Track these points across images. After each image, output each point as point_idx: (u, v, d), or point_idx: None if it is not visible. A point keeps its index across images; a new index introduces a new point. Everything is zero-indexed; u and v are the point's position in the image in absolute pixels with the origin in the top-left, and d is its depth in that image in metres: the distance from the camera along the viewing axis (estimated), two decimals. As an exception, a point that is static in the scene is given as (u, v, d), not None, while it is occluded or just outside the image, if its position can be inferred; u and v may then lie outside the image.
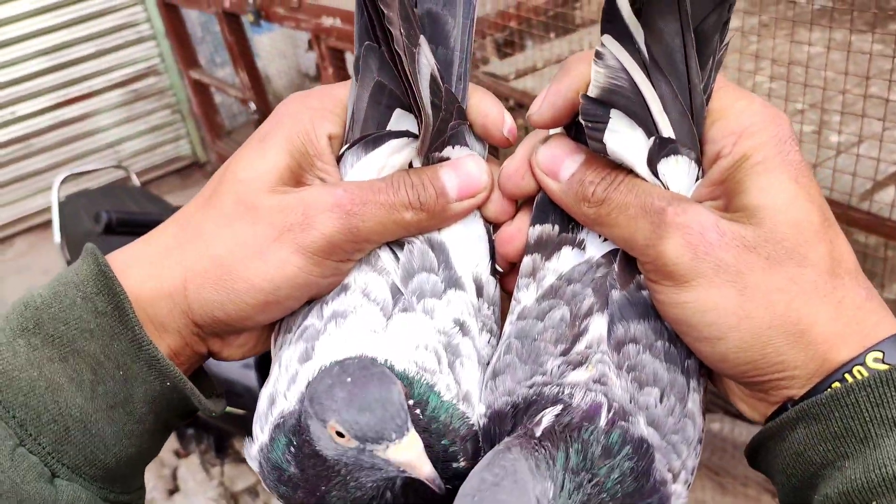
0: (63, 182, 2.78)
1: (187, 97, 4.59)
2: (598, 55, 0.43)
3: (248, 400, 1.69)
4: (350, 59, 2.34)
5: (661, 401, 0.45)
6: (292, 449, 0.45)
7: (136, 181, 3.09)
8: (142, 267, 0.48)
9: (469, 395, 0.47)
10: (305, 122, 0.49)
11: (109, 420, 0.46)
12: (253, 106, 2.96)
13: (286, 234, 0.47)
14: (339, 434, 0.42)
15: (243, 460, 2.25)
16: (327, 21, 2.24)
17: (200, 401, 0.50)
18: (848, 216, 1.24)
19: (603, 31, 0.43)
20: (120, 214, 1.88)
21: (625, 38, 0.43)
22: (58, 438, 0.44)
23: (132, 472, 0.50)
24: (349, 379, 0.42)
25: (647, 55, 0.43)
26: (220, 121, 3.66)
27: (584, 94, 0.44)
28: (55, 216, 2.66)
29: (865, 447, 0.39)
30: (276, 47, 4.78)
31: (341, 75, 2.39)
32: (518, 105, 1.96)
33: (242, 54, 2.93)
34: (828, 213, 0.44)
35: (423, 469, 0.42)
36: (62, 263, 2.71)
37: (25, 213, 4.66)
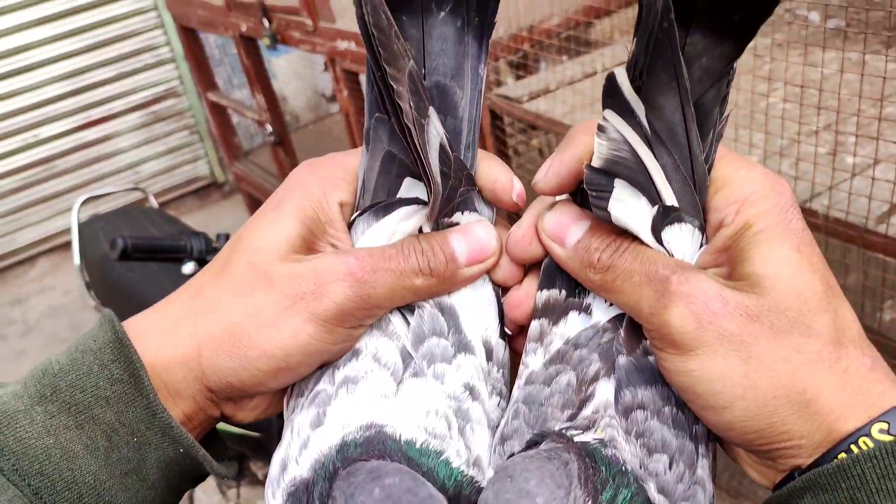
0: (83, 204, 2.81)
1: (206, 118, 4.65)
2: (601, 128, 0.43)
3: (264, 423, 1.70)
4: (364, 80, 2.35)
5: (670, 467, 0.44)
6: None
7: (154, 203, 3.12)
8: (157, 334, 0.49)
9: (479, 459, 0.47)
10: (317, 190, 0.50)
11: (123, 487, 0.47)
12: (269, 128, 2.99)
13: (299, 303, 0.47)
14: None
15: (259, 482, 2.25)
16: (342, 45, 2.27)
17: (212, 466, 0.51)
18: (865, 239, 1.23)
19: (604, 107, 0.44)
20: (136, 240, 1.90)
21: (626, 112, 0.43)
22: None
23: None
24: (377, 491, 0.41)
25: (648, 128, 0.43)
26: (238, 142, 3.70)
27: (588, 164, 0.44)
28: (75, 239, 2.69)
29: None
30: (293, 68, 4.83)
31: (356, 97, 2.41)
32: (531, 127, 1.96)
33: (259, 77, 2.96)
34: (831, 280, 0.44)
35: None
36: (81, 285, 2.74)
37: (48, 233, 4.73)
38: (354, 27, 2.34)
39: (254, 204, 3.70)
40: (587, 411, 0.46)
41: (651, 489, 0.43)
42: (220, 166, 5.09)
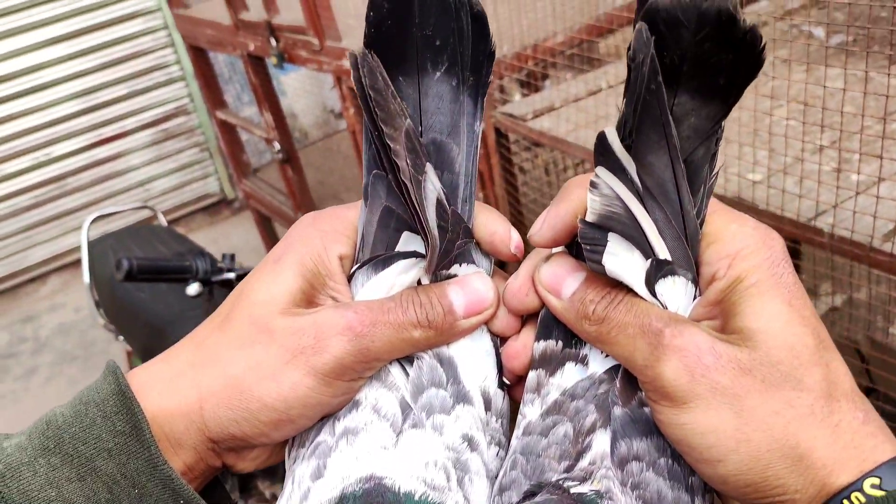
0: (93, 223, 2.84)
1: (215, 135, 4.68)
2: (593, 184, 0.44)
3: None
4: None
5: None
6: None
7: (163, 221, 3.14)
8: (160, 386, 0.50)
9: None
10: (317, 244, 0.51)
11: None
12: (277, 146, 3.01)
13: (299, 357, 0.48)
14: None
15: (267, 500, 2.25)
16: (348, 63, 2.28)
17: None
18: (870, 258, 1.22)
19: (596, 164, 0.44)
20: (141, 262, 1.91)
21: (617, 169, 0.44)
22: None
23: None
24: None
25: (639, 185, 0.44)
26: (247, 159, 3.71)
27: (583, 219, 0.44)
28: (84, 258, 2.71)
29: None
30: (302, 85, 4.86)
31: (362, 114, 2.41)
32: (535, 144, 1.96)
33: (267, 95, 2.97)
34: (823, 334, 0.44)
35: None
36: (91, 304, 2.75)
37: (59, 251, 4.77)
38: (360, 46, 2.35)
39: (263, 221, 3.71)
40: (584, 462, 0.46)
41: None
42: (229, 183, 5.12)
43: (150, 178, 4.91)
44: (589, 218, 0.44)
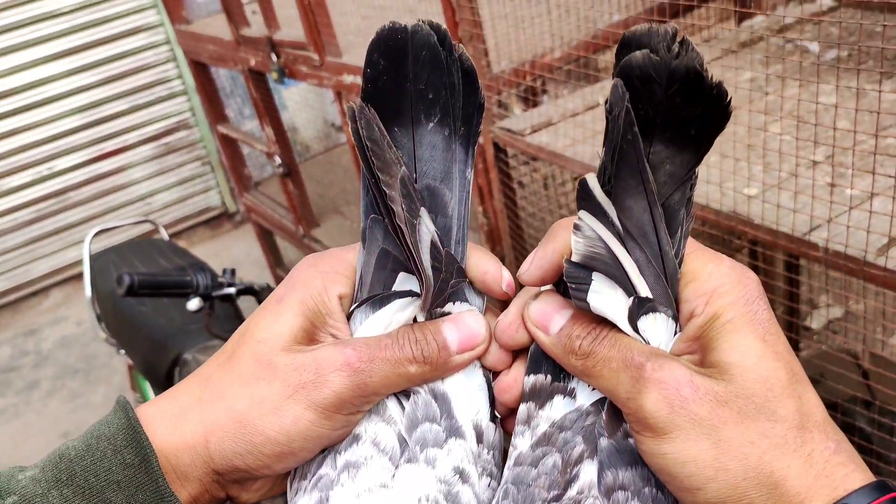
0: (95, 236, 2.85)
1: (217, 149, 4.70)
2: (577, 227, 0.47)
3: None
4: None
5: None
6: None
7: (164, 234, 3.15)
8: (167, 421, 0.52)
9: None
10: (318, 284, 0.54)
11: None
12: (278, 159, 3.03)
13: (300, 392, 0.50)
14: None
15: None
16: (348, 78, 2.30)
17: None
18: (864, 272, 1.23)
19: (579, 208, 0.47)
20: (142, 277, 1.92)
21: (599, 213, 0.46)
22: None
23: None
24: None
25: (620, 228, 0.47)
26: (248, 173, 3.74)
27: (568, 259, 0.47)
28: (86, 272, 2.72)
29: None
30: (303, 99, 4.89)
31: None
32: (533, 159, 1.97)
33: (268, 110, 3.00)
34: (796, 368, 0.46)
35: None
36: (92, 318, 2.76)
37: (61, 265, 4.78)
38: (360, 61, 2.38)
39: (264, 234, 3.73)
40: (572, 492, 0.48)
41: None
42: (231, 196, 5.14)
43: (151, 191, 4.94)
44: (574, 258, 0.47)
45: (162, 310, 2.41)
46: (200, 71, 3.45)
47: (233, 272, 2.15)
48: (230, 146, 3.60)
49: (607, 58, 2.08)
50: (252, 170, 3.94)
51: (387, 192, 0.48)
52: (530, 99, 1.99)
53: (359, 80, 2.47)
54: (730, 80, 1.48)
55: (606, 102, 0.45)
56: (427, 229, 0.50)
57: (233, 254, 4.82)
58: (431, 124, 0.53)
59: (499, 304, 0.57)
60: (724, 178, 1.46)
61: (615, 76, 0.44)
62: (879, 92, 1.16)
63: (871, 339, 1.67)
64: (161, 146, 4.88)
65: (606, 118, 0.45)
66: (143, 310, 2.47)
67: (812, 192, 1.32)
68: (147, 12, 4.60)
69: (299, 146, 4.90)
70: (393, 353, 0.51)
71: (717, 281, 0.47)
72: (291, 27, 2.50)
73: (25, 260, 4.72)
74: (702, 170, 1.62)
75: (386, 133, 0.50)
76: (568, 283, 0.47)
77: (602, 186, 0.46)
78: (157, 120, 4.81)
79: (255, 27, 2.71)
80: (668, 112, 0.45)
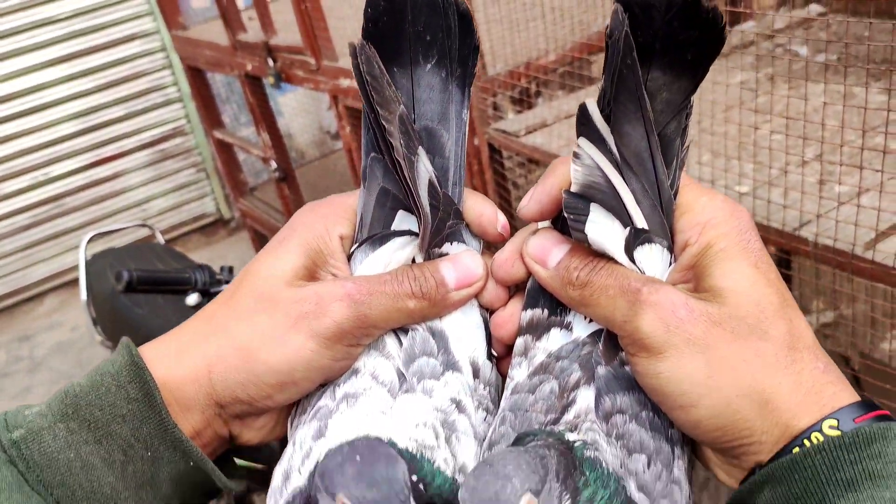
0: (90, 241, 2.86)
1: (212, 156, 4.71)
2: (576, 155, 0.48)
3: (268, 454, 1.71)
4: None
5: (648, 466, 0.47)
6: None
7: (160, 239, 3.16)
8: (170, 356, 0.53)
9: (465, 467, 0.50)
10: (319, 226, 0.55)
11: (137, 498, 0.51)
12: (274, 164, 3.04)
13: (301, 322, 0.51)
14: None
15: (263, 515, 2.25)
16: (345, 83, 2.32)
17: (221, 478, 0.54)
18: (853, 266, 1.25)
19: (578, 135, 0.48)
20: (141, 273, 1.93)
21: (598, 140, 0.48)
22: None
23: None
24: (358, 457, 0.45)
25: (618, 156, 0.48)
26: (244, 178, 3.75)
27: (567, 190, 0.48)
28: (82, 275, 2.72)
29: None
30: (299, 105, 4.90)
31: (358, 133, 2.45)
32: (529, 161, 2.00)
33: (264, 115, 3.01)
34: (786, 294, 0.48)
35: None
36: (88, 321, 2.76)
37: (56, 270, 4.77)
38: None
39: (259, 240, 3.74)
40: (569, 416, 0.49)
41: (631, 487, 0.46)
42: (226, 203, 5.14)
43: (147, 197, 4.94)
44: (573, 188, 0.48)
45: (159, 310, 2.42)
46: (196, 76, 3.47)
47: (230, 269, 2.16)
48: (226, 151, 3.61)
49: (601, 61, 2.10)
50: (247, 176, 3.96)
51: (386, 126, 0.49)
52: (525, 101, 2.01)
53: (355, 84, 2.49)
54: (722, 82, 1.51)
55: (607, 28, 0.46)
56: (425, 168, 0.52)
57: (227, 261, 4.82)
58: (429, 65, 0.55)
59: (494, 250, 0.58)
60: (716, 176, 1.48)
61: (616, 1, 0.46)
62: (866, 88, 1.18)
63: (863, 342, 1.69)
64: (157, 152, 4.89)
65: (606, 44, 0.47)
66: (139, 312, 2.48)
67: (802, 189, 1.34)
68: (143, 19, 4.62)
69: (295, 153, 4.92)
70: (392, 287, 0.52)
71: (710, 213, 0.49)
72: (288, 32, 2.52)
73: (21, 265, 4.72)
74: (694, 168, 1.64)
75: (385, 72, 0.51)
76: (566, 214, 0.48)
77: (601, 111, 0.47)
78: (152, 126, 4.82)
79: (252, 32, 2.74)
80: (665, 37, 0.47)
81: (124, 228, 3.92)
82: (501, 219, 0.56)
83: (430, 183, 0.52)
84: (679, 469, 0.49)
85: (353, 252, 0.56)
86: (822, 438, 0.43)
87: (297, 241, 0.55)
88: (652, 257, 0.50)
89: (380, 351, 0.54)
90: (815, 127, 1.40)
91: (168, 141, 4.90)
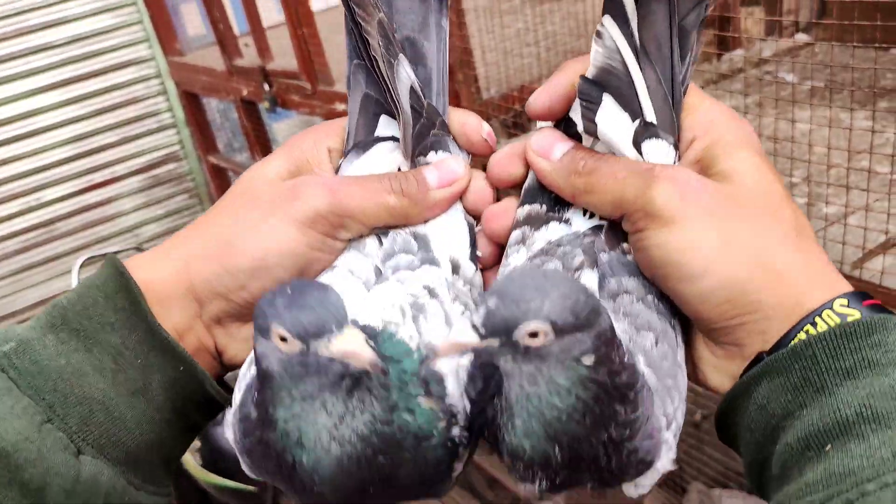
0: (82, 265, 2.85)
1: (205, 181, 4.72)
2: (598, 34, 0.49)
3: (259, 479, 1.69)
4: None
5: (656, 344, 0.47)
6: (254, 392, 0.47)
7: (154, 262, 3.16)
8: (154, 261, 0.55)
9: (432, 346, 0.48)
10: (308, 139, 0.57)
11: (130, 406, 0.50)
12: (268, 188, 3.06)
13: (278, 208, 0.52)
14: (283, 339, 0.42)
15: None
16: (340, 107, 2.35)
17: (212, 384, 0.54)
18: (842, 285, 1.27)
19: (604, 12, 0.49)
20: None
21: (621, 19, 0.49)
22: (83, 419, 0.48)
23: (155, 463, 0.53)
24: (289, 290, 0.44)
25: (637, 41, 0.49)
26: (237, 203, 3.76)
27: (583, 76, 0.49)
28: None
29: (822, 395, 0.42)
30: (293, 132, 4.93)
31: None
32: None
33: (259, 139, 3.04)
34: (788, 193, 0.49)
35: (365, 355, 0.42)
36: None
37: (47, 295, 4.74)
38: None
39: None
40: None
41: (640, 362, 0.46)
42: (219, 228, 5.14)
43: (139, 223, 4.93)
44: (589, 73, 0.49)
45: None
46: (192, 102, 3.50)
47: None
48: (220, 176, 3.63)
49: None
50: (241, 200, 3.96)
51: (363, 25, 0.50)
52: (519, 124, 2.04)
53: (350, 109, 2.51)
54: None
55: None
56: (406, 73, 0.52)
57: (220, 285, 4.81)
58: None
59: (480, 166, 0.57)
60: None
61: None
62: (851, 113, 1.21)
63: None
64: (150, 178, 4.89)
65: None
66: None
67: (791, 210, 1.37)
68: (139, 46, 4.65)
69: (288, 179, 4.94)
70: (372, 182, 0.53)
71: (715, 114, 0.51)
72: (284, 57, 2.55)
73: (13, 290, 4.69)
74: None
75: None
76: (580, 100, 0.49)
77: None
78: (146, 152, 4.83)
79: (248, 58, 2.77)
80: None
81: (117, 253, 3.91)
82: (486, 126, 0.56)
83: (413, 90, 0.52)
84: (680, 356, 0.48)
85: (340, 164, 0.56)
86: (835, 317, 0.43)
87: (285, 150, 0.56)
88: (659, 151, 0.50)
89: (359, 250, 0.54)
90: (802, 150, 1.43)
91: (161, 166, 4.91)
